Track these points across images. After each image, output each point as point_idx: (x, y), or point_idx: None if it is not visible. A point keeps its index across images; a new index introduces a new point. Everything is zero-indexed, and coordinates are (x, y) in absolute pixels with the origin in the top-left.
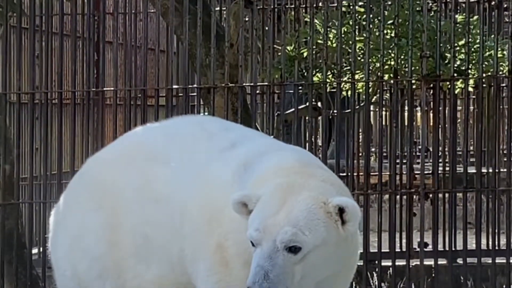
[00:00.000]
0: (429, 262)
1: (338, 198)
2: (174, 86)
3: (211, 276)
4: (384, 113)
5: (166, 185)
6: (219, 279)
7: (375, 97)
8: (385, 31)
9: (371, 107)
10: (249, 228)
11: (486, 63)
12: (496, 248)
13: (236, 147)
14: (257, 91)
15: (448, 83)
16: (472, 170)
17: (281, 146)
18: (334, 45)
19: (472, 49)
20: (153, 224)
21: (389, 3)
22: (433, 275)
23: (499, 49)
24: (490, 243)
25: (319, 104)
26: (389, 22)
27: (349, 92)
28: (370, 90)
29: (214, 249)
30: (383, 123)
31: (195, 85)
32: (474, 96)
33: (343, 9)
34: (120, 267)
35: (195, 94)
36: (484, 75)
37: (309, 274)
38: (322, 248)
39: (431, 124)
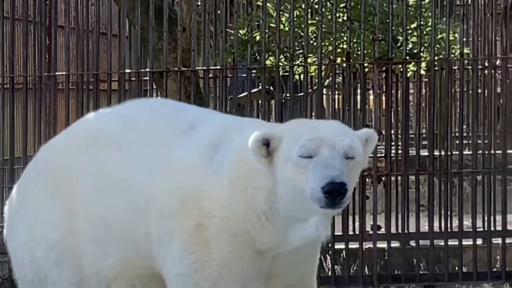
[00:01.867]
0: (382, 244)
1: (365, 130)
2: (127, 71)
3: (186, 257)
4: (336, 96)
5: (125, 170)
6: (195, 259)
7: (327, 80)
8: (337, 15)
9: (324, 91)
10: (295, 143)
11: (438, 46)
12: (449, 230)
13: (195, 128)
14: (210, 75)
15: (400, 66)
16: (424, 153)
17: (241, 120)
18: (287, 28)
19: (424, 32)
20: (114, 209)
21: None
22: (386, 257)
23: (451, 32)
24: (443, 225)
25: (271, 87)
26: (342, 5)
27: (302, 76)
28: (323, 73)
29: (190, 230)
30: (336, 106)
31: (147, 69)
32: (426, 79)
33: None
34: (77, 254)
35: (147, 78)
36: (436, 58)
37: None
38: (358, 169)
39: (384, 107)
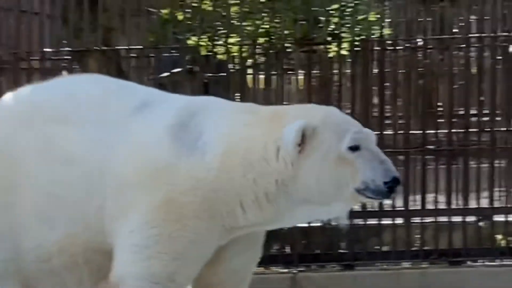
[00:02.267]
0: (303, 224)
1: None
2: (47, 50)
3: (148, 229)
4: (259, 76)
5: (77, 145)
6: (159, 233)
7: (250, 60)
8: None
9: (247, 71)
10: (346, 134)
11: (359, 26)
12: (369, 210)
13: (150, 106)
14: (132, 55)
15: (322, 46)
16: None
17: (206, 101)
18: (209, 8)
19: (345, 13)
20: (63, 184)
21: None
22: (307, 237)
23: (372, 13)
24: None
25: (194, 67)
26: None
27: (224, 56)
28: (245, 53)
29: (158, 205)
30: (258, 86)
31: (68, 49)
32: (349, 60)
33: None
34: (16, 229)
35: (69, 57)
36: (357, 38)
37: None
38: None
39: (306, 87)
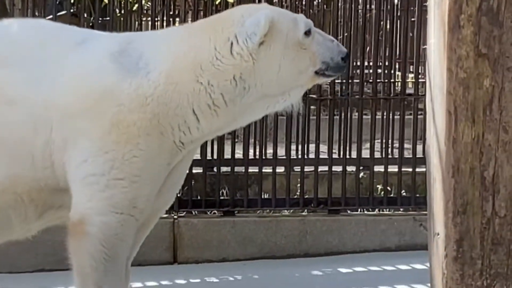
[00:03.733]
0: None
1: None
2: None
3: (102, 155)
4: (145, 22)
5: (18, 86)
6: (113, 157)
7: (135, 5)
8: None
9: (132, 15)
10: (299, 22)
11: None
12: (250, 157)
13: (87, 41)
14: None
15: None
16: None
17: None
18: None
19: None
20: (6, 125)
21: None
22: (192, 182)
23: None
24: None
25: (78, 10)
26: None
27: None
28: None
29: (107, 128)
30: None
31: None
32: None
33: None
34: None
35: None
36: None
37: None
38: None
39: None
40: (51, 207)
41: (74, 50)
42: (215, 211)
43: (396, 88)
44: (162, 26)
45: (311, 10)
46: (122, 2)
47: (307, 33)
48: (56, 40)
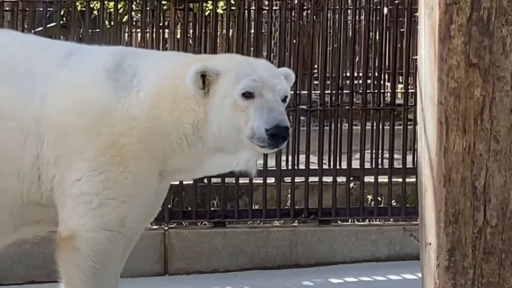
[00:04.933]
0: (175, 182)
1: (285, 69)
2: None
3: (96, 176)
4: (135, 33)
5: (6, 101)
6: (106, 178)
7: (125, 17)
8: None
9: (123, 27)
10: (240, 81)
11: None
12: None
13: (74, 54)
14: (6, 8)
15: (197, 4)
16: None
17: (134, 49)
18: None
19: None
20: None
21: None
22: (182, 193)
23: None
24: None
25: (68, 22)
26: None
27: (100, 11)
28: (121, 10)
29: (102, 150)
30: (134, 43)
31: None
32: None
33: None
34: None
35: None
36: None
37: None
38: None
39: (182, 45)
40: (28, 222)
41: (63, 64)
42: (206, 222)
43: (386, 98)
44: (152, 38)
45: (300, 21)
46: (112, 14)
47: (246, 95)
48: (41, 54)
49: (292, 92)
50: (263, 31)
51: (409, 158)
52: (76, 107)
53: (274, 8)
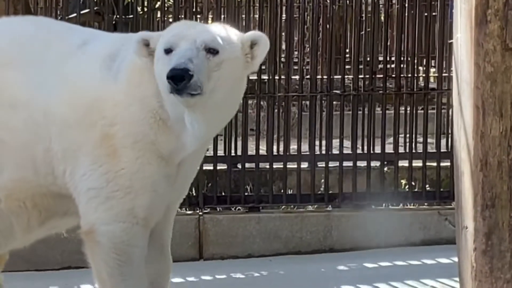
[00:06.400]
0: (209, 167)
1: (252, 32)
2: None
3: (97, 169)
4: (167, 19)
5: (21, 89)
6: (107, 170)
7: (158, 3)
8: None
9: (156, 13)
10: (162, 39)
11: None
12: (275, 153)
13: (88, 43)
14: None
15: None
16: (253, 76)
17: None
18: None
19: None
20: (9, 128)
21: None
22: (217, 179)
23: None
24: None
25: (102, 8)
26: None
27: None
28: None
29: (98, 142)
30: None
31: None
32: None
33: None
34: None
35: None
36: None
37: (219, 89)
38: (233, 67)
39: None
40: (55, 214)
41: (74, 54)
42: (240, 207)
43: (419, 82)
44: None
45: (333, 6)
46: (145, 0)
47: (167, 50)
48: (60, 42)
49: (325, 77)
50: (295, 15)
51: (443, 142)
52: (74, 99)
53: None
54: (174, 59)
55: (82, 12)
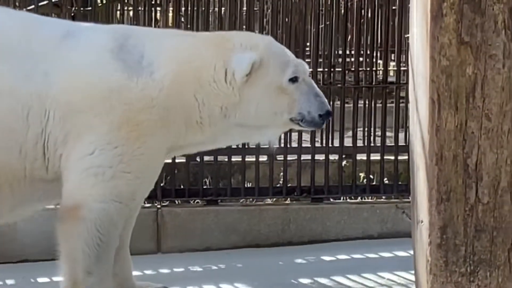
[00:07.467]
0: (167, 160)
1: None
2: None
3: (112, 149)
4: (127, 11)
5: (8, 79)
6: (122, 152)
7: None
8: None
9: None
10: (286, 68)
11: None
12: (233, 148)
13: (75, 34)
14: None
15: None
16: None
17: (138, 28)
18: None
19: None
20: None
21: None
22: (175, 171)
23: None
24: None
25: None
26: None
27: None
28: None
29: (116, 125)
30: (126, 21)
31: None
32: None
33: None
34: None
35: None
36: None
37: None
38: None
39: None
40: (28, 200)
41: (62, 44)
42: (198, 200)
43: (378, 76)
44: (144, 16)
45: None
46: None
47: (293, 80)
48: (40, 33)
49: None
50: (255, 8)
51: (401, 136)
52: (85, 87)
53: None
54: (322, 100)
55: (40, 4)
